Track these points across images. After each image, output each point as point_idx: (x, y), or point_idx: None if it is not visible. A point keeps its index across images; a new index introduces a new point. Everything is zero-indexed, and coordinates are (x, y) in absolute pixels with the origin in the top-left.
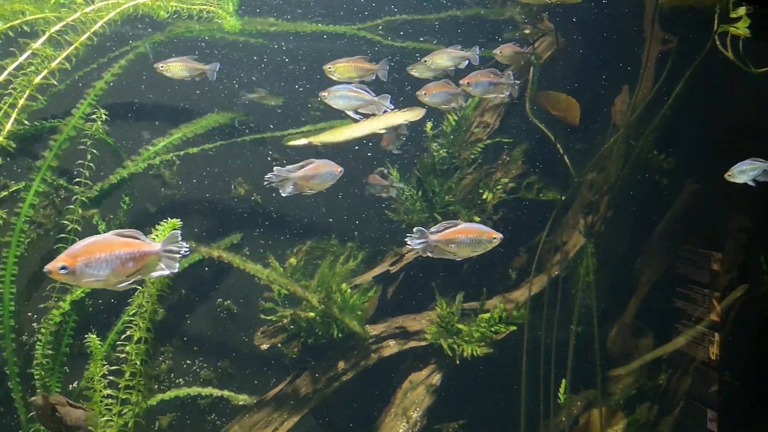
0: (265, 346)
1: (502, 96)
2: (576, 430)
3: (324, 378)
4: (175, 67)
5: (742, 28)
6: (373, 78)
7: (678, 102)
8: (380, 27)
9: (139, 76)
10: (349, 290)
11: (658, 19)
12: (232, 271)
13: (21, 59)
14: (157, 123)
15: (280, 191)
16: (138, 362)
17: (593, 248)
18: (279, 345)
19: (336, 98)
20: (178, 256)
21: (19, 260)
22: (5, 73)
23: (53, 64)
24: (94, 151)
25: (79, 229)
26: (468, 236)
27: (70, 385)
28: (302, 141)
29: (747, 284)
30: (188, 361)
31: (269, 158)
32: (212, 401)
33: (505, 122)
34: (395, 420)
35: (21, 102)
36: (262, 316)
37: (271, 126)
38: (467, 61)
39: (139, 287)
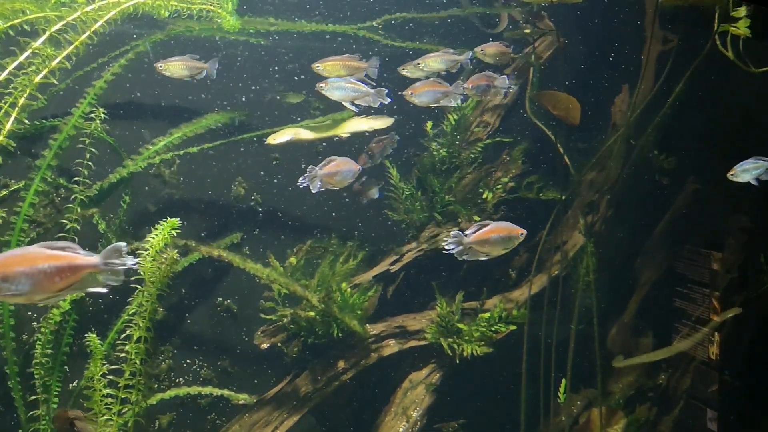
0: (265, 346)
1: (500, 98)
2: (576, 430)
3: (324, 377)
4: (175, 67)
5: (742, 28)
6: (364, 76)
7: (678, 101)
8: (380, 26)
9: (140, 76)
10: (349, 290)
11: (658, 18)
12: (232, 271)
13: (21, 58)
14: (157, 122)
15: (311, 188)
16: (138, 361)
17: (593, 248)
18: (279, 344)
19: (333, 89)
20: (122, 269)
21: None
22: (6, 72)
23: (53, 63)
24: (93, 150)
25: (78, 228)
26: (500, 235)
27: (70, 385)
28: (285, 137)
29: (742, 303)
30: (188, 361)
31: (273, 160)
32: (212, 400)
33: (505, 122)
34: (395, 419)
35: (21, 101)
36: (262, 316)
37: (266, 123)
38: (459, 65)
39: (139, 286)
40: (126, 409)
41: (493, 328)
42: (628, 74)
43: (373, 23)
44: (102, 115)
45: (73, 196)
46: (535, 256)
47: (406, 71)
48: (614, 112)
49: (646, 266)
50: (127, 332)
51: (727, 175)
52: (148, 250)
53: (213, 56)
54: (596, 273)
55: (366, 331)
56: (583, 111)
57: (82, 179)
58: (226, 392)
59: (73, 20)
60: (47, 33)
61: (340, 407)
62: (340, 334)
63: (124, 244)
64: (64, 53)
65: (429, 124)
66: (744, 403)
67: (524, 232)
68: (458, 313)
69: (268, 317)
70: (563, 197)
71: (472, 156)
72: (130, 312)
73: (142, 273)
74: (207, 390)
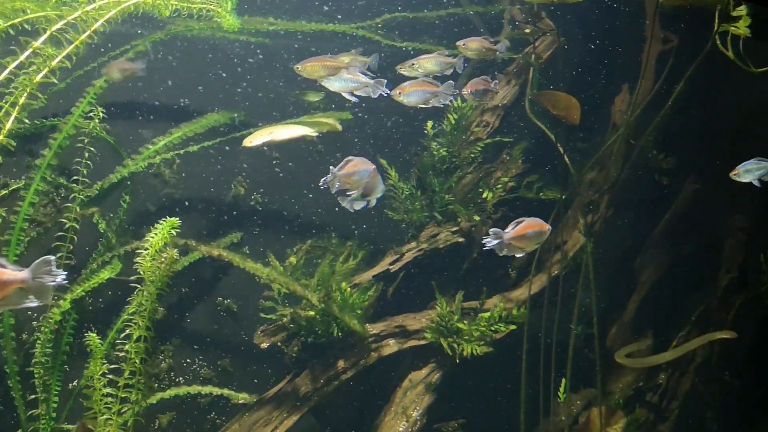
0: (265, 345)
1: (494, 102)
2: (575, 430)
3: (324, 377)
4: (111, 70)
5: (742, 28)
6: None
7: (678, 101)
8: (380, 25)
9: (139, 75)
10: (348, 289)
11: (658, 18)
12: (232, 270)
13: (22, 57)
14: (157, 122)
15: (331, 190)
16: (138, 361)
17: (593, 247)
18: (279, 344)
19: (333, 81)
20: (51, 285)
21: (19, 258)
22: (6, 71)
23: (54, 63)
24: (92, 149)
25: (77, 227)
26: (534, 230)
27: (70, 384)
28: (260, 139)
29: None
30: (188, 360)
31: (273, 159)
32: (212, 400)
33: (505, 121)
34: (395, 419)
35: (21, 100)
36: (262, 315)
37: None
38: (453, 68)
39: (139, 286)
40: (126, 408)
41: (493, 328)
42: (628, 74)
43: (372, 23)
44: (101, 114)
45: (72, 195)
46: (535, 255)
47: (404, 70)
48: (614, 112)
49: (646, 266)
50: (127, 331)
51: (730, 174)
52: (148, 249)
53: (139, 58)
54: (596, 273)
55: (366, 330)
56: (583, 111)
57: (81, 178)
58: (226, 392)
59: (74, 19)
60: (48, 32)
61: (340, 407)
62: (339, 334)
63: (53, 257)
64: (65, 52)
65: (429, 123)
66: (744, 403)
67: (550, 227)
68: (458, 313)
69: (268, 317)
70: (563, 197)
71: (472, 156)
72: (130, 311)
73: (141, 272)
74: (207, 389)
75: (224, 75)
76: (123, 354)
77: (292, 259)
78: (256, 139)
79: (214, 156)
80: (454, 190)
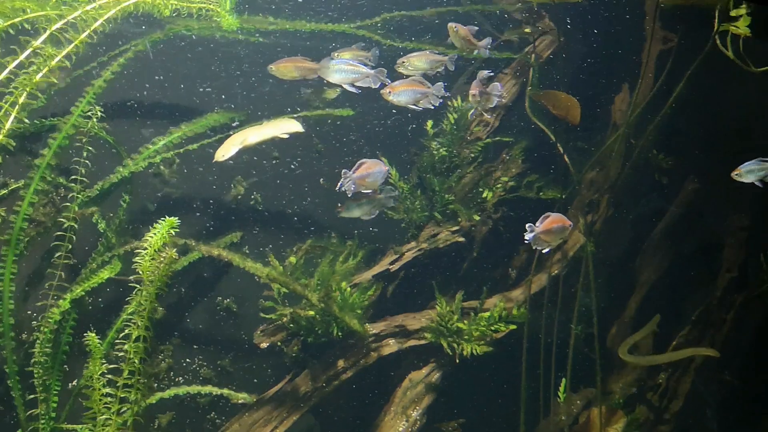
0: (264, 345)
1: (491, 106)
2: (575, 429)
3: (324, 376)
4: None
5: (742, 27)
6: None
7: (678, 101)
8: (379, 25)
9: (139, 75)
10: (348, 289)
11: (658, 17)
12: (232, 270)
13: (22, 57)
14: (157, 121)
15: (347, 192)
16: (137, 361)
17: (593, 247)
18: (279, 343)
19: (332, 72)
20: None
21: (19, 258)
22: (6, 71)
23: (54, 62)
24: (91, 148)
25: (76, 227)
26: (558, 225)
27: (70, 384)
28: (233, 149)
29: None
30: (188, 360)
31: (273, 159)
32: (212, 400)
33: (505, 121)
34: (395, 418)
35: (21, 100)
36: (262, 315)
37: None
38: (443, 66)
39: (138, 286)
40: (125, 408)
41: (492, 328)
42: (628, 74)
43: (372, 22)
44: (99, 114)
45: (71, 195)
46: (535, 255)
47: (401, 69)
48: (614, 112)
49: (645, 265)
50: (127, 331)
51: (732, 174)
52: (147, 249)
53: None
54: (596, 272)
55: (366, 330)
56: (583, 111)
57: (81, 178)
58: (225, 391)
59: (74, 19)
60: (48, 32)
61: (340, 407)
62: (339, 334)
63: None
64: (65, 52)
65: (429, 123)
66: (744, 403)
67: (571, 223)
68: (458, 313)
69: (267, 316)
70: (563, 196)
71: (472, 155)
72: (130, 311)
73: (141, 272)
74: (206, 389)
75: (224, 75)
76: (122, 354)
77: (292, 259)
78: (228, 150)
79: (213, 155)
80: (454, 189)
